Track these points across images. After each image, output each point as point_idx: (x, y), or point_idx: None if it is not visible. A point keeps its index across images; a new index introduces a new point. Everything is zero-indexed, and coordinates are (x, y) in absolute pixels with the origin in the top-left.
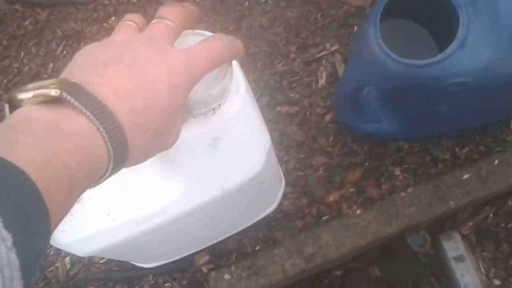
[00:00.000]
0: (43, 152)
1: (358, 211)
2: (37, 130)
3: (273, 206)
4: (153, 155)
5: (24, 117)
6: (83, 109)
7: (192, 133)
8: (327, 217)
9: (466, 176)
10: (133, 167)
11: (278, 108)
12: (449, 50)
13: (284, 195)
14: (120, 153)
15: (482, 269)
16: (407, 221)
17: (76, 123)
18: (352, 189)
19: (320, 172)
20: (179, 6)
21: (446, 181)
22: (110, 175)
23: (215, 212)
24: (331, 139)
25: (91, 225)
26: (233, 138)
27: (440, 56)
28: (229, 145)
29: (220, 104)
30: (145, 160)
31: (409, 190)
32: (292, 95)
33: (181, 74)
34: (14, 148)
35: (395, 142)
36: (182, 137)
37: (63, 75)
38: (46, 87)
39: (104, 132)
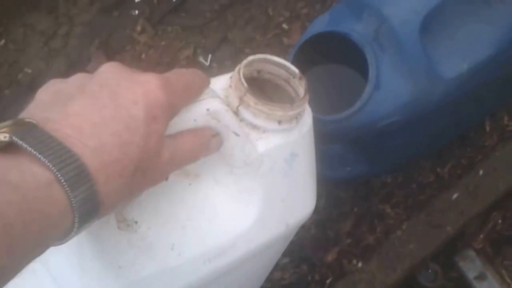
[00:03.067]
0: None
1: (360, 264)
2: None
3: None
4: (139, 195)
5: None
6: (37, 154)
7: (274, 144)
8: (330, 279)
9: (455, 195)
10: (196, 188)
11: None
12: (365, 95)
13: (283, 268)
14: (88, 204)
15: (508, 280)
16: (410, 261)
17: (28, 172)
18: (348, 241)
19: (312, 230)
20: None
21: (437, 206)
22: (79, 230)
23: (260, 260)
24: None
25: (153, 261)
26: (304, 157)
27: (358, 105)
28: (301, 165)
29: (301, 114)
30: (129, 202)
31: (404, 226)
32: None
33: (159, 99)
34: None
35: (378, 177)
36: (267, 146)
37: (21, 115)
38: None
39: (63, 181)
